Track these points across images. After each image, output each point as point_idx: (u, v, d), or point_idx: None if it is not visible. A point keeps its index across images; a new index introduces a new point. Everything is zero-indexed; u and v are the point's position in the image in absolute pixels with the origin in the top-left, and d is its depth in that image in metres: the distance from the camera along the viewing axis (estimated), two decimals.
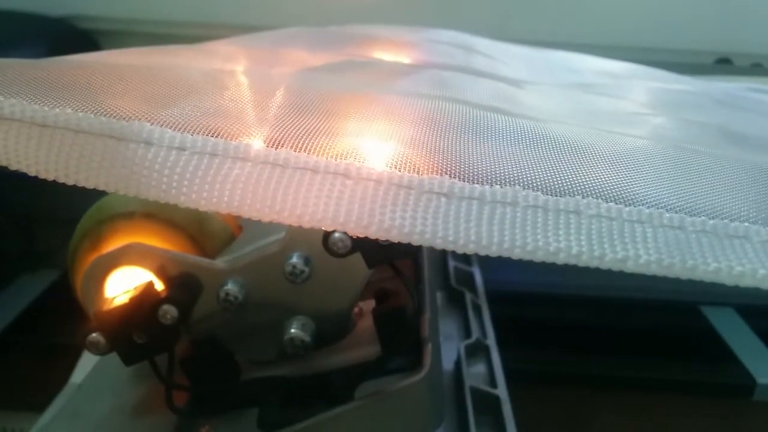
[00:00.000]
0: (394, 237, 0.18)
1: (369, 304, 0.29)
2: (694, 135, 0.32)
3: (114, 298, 0.26)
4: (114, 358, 0.26)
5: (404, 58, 0.47)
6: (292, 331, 0.26)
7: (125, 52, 0.31)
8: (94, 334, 0.25)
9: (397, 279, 0.27)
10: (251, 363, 0.29)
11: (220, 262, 0.27)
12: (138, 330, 0.25)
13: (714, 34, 0.94)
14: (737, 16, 0.94)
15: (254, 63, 0.36)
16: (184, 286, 0.26)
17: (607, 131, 0.27)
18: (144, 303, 0.25)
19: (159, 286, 0.26)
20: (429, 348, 0.26)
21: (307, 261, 0.25)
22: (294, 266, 0.25)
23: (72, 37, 0.95)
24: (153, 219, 0.29)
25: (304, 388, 0.28)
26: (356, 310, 0.30)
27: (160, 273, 0.26)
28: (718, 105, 0.45)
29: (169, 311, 0.25)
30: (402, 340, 0.27)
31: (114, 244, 0.28)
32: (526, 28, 0.71)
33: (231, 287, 0.26)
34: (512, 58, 0.55)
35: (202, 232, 0.30)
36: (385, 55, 0.49)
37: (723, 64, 0.93)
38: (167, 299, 0.25)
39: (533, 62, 0.57)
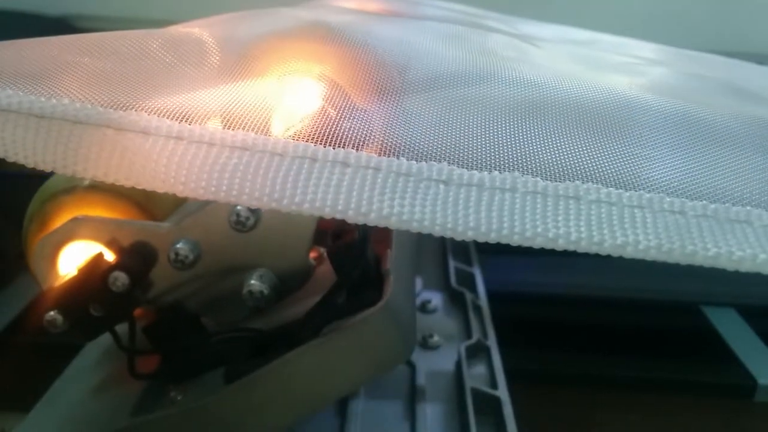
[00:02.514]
0: (393, 224, 0.18)
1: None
2: (696, 87, 0.32)
3: (67, 275, 0.26)
4: (95, 344, 0.25)
5: (381, 8, 0.46)
6: (252, 282, 0.26)
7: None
8: (51, 312, 0.24)
9: None
10: (218, 325, 0.29)
11: (165, 224, 0.26)
12: (93, 302, 0.25)
13: (714, 34, 0.94)
14: (737, 16, 0.94)
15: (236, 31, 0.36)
16: (133, 253, 0.26)
17: (607, 82, 0.27)
18: (93, 273, 0.25)
19: (110, 256, 0.26)
20: (390, 280, 0.26)
21: (251, 208, 0.25)
22: (238, 214, 0.25)
23: None
24: (95, 191, 0.28)
25: (270, 338, 0.27)
26: (315, 255, 0.30)
27: (111, 244, 0.26)
28: (722, 64, 0.45)
29: (119, 278, 0.24)
30: (359, 274, 0.26)
31: (60, 221, 0.28)
32: None
33: (181, 246, 0.26)
34: (519, 23, 0.55)
35: (149, 197, 0.29)
36: (360, 5, 0.47)
37: None
38: (116, 266, 0.25)
39: (542, 27, 0.57)
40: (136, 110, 0.19)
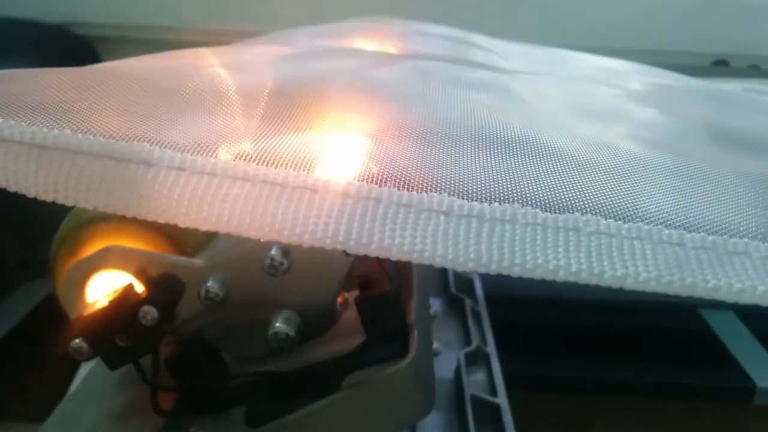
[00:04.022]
0: (394, 255, 0.18)
1: (355, 295, 0.29)
2: (685, 134, 0.32)
3: (95, 302, 0.26)
4: (101, 364, 0.26)
5: (390, 48, 0.47)
6: (277, 325, 0.26)
7: (122, 62, 0.31)
8: (76, 340, 0.24)
9: (378, 265, 0.27)
10: (239, 360, 0.29)
11: (198, 260, 0.26)
12: (120, 333, 0.25)
13: (711, 36, 0.94)
14: (734, 18, 0.94)
15: (238, 63, 0.36)
16: (164, 287, 0.26)
17: (601, 135, 0.27)
18: (124, 305, 0.25)
19: (139, 287, 0.26)
20: (415, 334, 0.26)
21: (285, 253, 0.25)
22: (273, 259, 0.25)
23: (70, 44, 0.96)
24: (129, 220, 0.28)
25: (291, 382, 0.28)
26: (340, 300, 0.30)
27: (140, 275, 0.26)
28: (711, 101, 0.46)
29: (149, 312, 0.24)
30: (386, 327, 0.26)
31: (92, 248, 0.28)
32: (522, 32, 0.71)
33: (211, 284, 0.26)
34: (512, 52, 0.55)
35: (181, 230, 0.29)
36: (368, 44, 0.48)
37: (720, 66, 0.93)
38: (146, 300, 0.25)
39: (534, 56, 0.57)
40: (138, 141, 0.19)
